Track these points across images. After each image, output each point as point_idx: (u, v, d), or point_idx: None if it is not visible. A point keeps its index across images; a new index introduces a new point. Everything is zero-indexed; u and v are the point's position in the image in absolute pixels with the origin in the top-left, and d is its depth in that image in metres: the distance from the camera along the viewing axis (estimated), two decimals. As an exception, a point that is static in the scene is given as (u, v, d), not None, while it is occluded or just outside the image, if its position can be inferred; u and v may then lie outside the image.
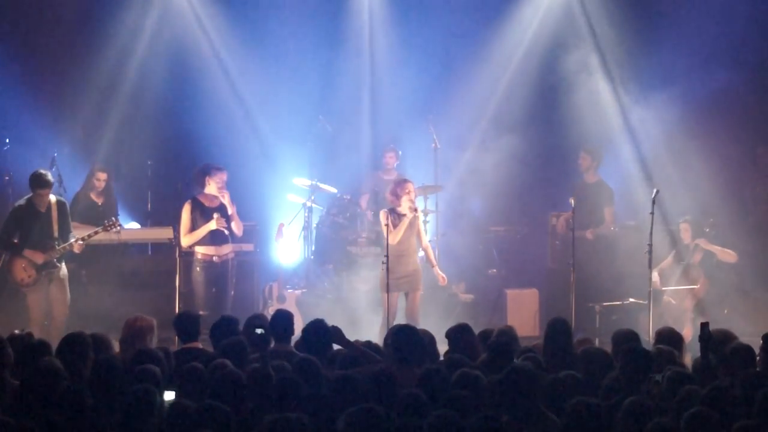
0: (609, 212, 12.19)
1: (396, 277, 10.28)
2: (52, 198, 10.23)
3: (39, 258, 10.07)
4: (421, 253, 12.58)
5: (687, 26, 13.11)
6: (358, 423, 5.32)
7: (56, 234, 10.17)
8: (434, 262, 10.67)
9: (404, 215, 10.37)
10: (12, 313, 10.43)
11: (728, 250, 11.13)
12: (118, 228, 10.64)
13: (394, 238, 10.28)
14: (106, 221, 10.53)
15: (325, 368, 6.66)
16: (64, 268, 10.28)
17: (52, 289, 10.17)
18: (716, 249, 11.10)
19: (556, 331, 7.43)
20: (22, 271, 10.07)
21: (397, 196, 10.38)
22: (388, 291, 10.11)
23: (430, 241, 12.67)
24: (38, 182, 10.11)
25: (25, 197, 10.26)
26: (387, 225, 10.17)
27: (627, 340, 7.20)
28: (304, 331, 7.27)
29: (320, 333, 7.22)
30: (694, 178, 12.61)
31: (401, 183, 10.50)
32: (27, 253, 10.07)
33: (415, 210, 10.36)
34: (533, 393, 5.90)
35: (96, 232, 10.39)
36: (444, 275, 10.68)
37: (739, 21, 13.00)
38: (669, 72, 13.16)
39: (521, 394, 5.86)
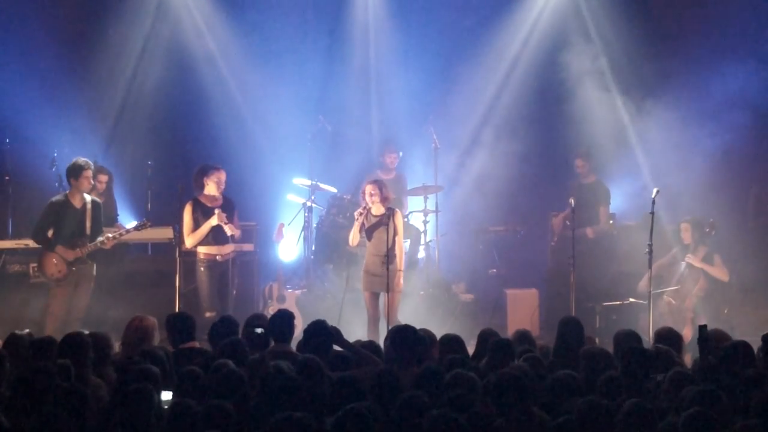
0: (603, 211, 12.22)
1: (370, 276, 10.26)
2: (87, 197, 10.38)
3: (70, 255, 10.21)
4: (422, 254, 12.63)
5: (688, 29, 13.12)
6: (346, 424, 5.32)
7: (88, 232, 10.29)
8: (400, 266, 10.36)
9: (375, 215, 10.34)
10: (17, 312, 10.44)
11: (722, 269, 11.06)
12: (121, 224, 10.73)
13: (350, 238, 10.40)
14: (137, 221, 10.70)
15: (326, 369, 6.65)
16: (94, 267, 10.39)
17: (80, 285, 10.32)
18: (708, 267, 11.05)
19: (569, 330, 7.45)
20: (53, 266, 10.20)
21: (362, 198, 10.45)
22: (388, 290, 10.08)
23: (430, 241, 12.71)
24: (79, 167, 10.21)
25: (62, 193, 10.41)
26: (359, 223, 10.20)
27: (628, 340, 7.20)
28: (306, 331, 7.26)
29: (321, 334, 7.22)
30: (695, 179, 12.61)
31: (365, 185, 10.51)
32: (59, 249, 10.21)
33: (361, 214, 10.28)
34: (526, 395, 5.90)
35: (128, 231, 10.57)
36: (402, 284, 10.38)
37: (743, 25, 13.02)
38: (670, 73, 13.16)
39: (514, 396, 5.86)
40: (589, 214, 12.07)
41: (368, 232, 10.36)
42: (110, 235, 10.41)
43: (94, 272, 10.43)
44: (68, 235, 10.24)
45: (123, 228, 10.80)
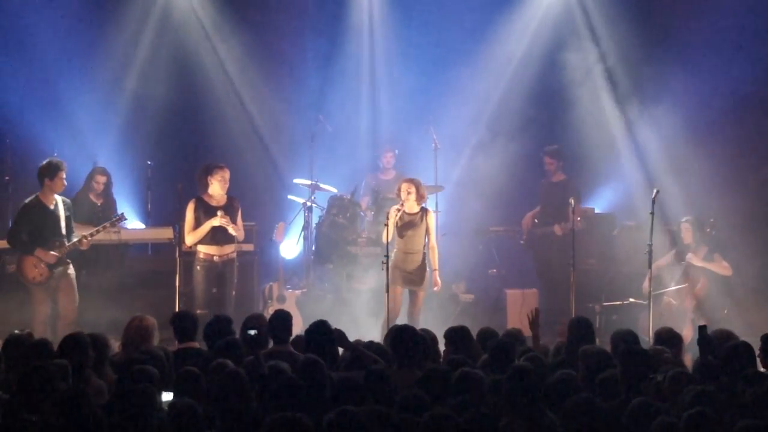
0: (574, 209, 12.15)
1: (402, 272, 10.32)
2: (57, 197, 10.24)
3: (51, 258, 10.09)
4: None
5: (690, 29, 13.11)
6: (337, 426, 5.33)
7: (64, 231, 10.19)
8: (435, 265, 10.63)
9: (409, 213, 10.39)
10: (17, 312, 10.42)
11: (723, 264, 11.07)
12: (123, 222, 10.73)
13: (384, 236, 10.40)
14: (113, 215, 10.62)
15: (329, 369, 6.64)
16: (71, 267, 10.30)
17: (61, 287, 10.21)
18: (709, 265, 11.04)
19: (581, 330, 7.45)
20: (33, 268, 10.08)
21: (398, 195, 10.48)
22: (387, 290, 10.10)
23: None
24: (55, 167, 10.08)
25: (34, 195, 10.23)
26: (386, 224, 10.19)
27: (626, 340, 7.20)
28: (308, 332, 7.25)
29: (324, 334, 7.20)
30: (695, 178, 12.62)
31: (400, 183, 10.56)
32: (39, 252, 10.07)
33: (398, 212, 10.31)
34: (536, 393, 5.88)
35: (104, 227, 10.47)
36: (440, 282, 10.65)
37: (748, 24, 13.03)
38: (671, 74, 13.15)
39: (524, 395, 5.85)
40: (559, 213, 12.11)
41: (400, 230, 10.41)
42: (86, 235, 10.29)
43: (70, 271, 10.27)
44: (45, 237, 10.10)
45: (104, 226, 10.57)
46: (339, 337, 7.34)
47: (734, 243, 11.70)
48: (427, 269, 10.60)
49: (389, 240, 10.26)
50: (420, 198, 10.48)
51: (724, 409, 5.75)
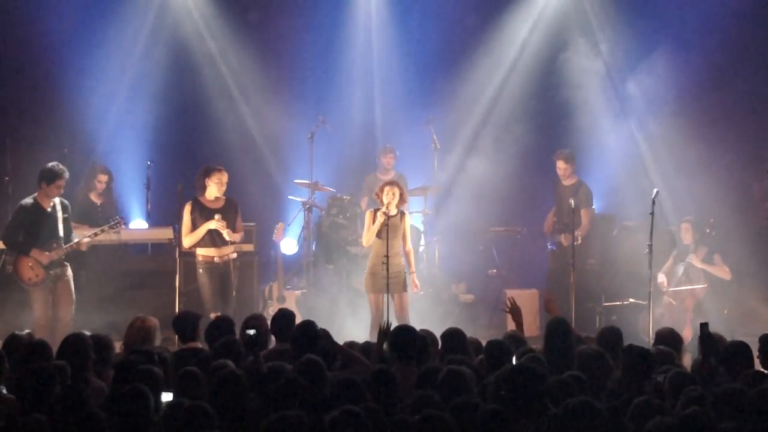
0: (585, 214, 11.96)
1: (381, 279, 10.21)
2: (56, 198, 10.18)
3: (45, 258, 10.03)
4: (422, 255, 12.62)
5: (690, 29, 13.12)
6: (341, 425, 5.32)
7: (61, 233, 10.15)
8: (413, 267, 10.46)
9: (391, 216, 10.28)
10: (17, 313, 10.41)
11: (723, 267, 11.07)
12: (120, 228, 10.69)
13: (364, 239, 10.37)
14: (111, 220, 10.59)
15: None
16: (69, 269, 10.27)
17: (58, 289, 10.15)
18: (709, 267, 11.06)
19: (557, 331, 7.40)
20: (29, 270, 10.03)
21: (378, 197, 10.37)
22: (388, 291, 10.08)
23: (428, 242, 12.71)
24: (54, 174, 10.02)
25: (31, 196, 10.17)
26: (386, 224, 10.12)
27: (617, 340, 7.22)
28: (293, 332, 7.24)
29: (308, 334, 7.17)
30: (695, 178, 12.62)
31: (382, 185, 10.46)
32: (34, 253, 10.01)
33: (385, 215, 10.15)
34: (540, 390, 5.87)
35: (102, 230, 10.43)
36: (418, 283, 10.53)
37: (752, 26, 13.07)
38: (671, 73, 13.16)
39: (528, 392, 5.83)
40: (572, 217, 11.97)
41: (378, 232, 10.29)
42: (86, 237, 10.27)
43: (68, 273, 10.22)
44: (42, 239, 10.04)
45: (101, 228, 10.56)
46: (325, 338, 7.28)
47: (734, 243, 11.71)
48: (405, 272, 10.42)
49: (370, 243, 10.28)
50: (402, 201, 10.36)
51: (722, 409, 5.75)
